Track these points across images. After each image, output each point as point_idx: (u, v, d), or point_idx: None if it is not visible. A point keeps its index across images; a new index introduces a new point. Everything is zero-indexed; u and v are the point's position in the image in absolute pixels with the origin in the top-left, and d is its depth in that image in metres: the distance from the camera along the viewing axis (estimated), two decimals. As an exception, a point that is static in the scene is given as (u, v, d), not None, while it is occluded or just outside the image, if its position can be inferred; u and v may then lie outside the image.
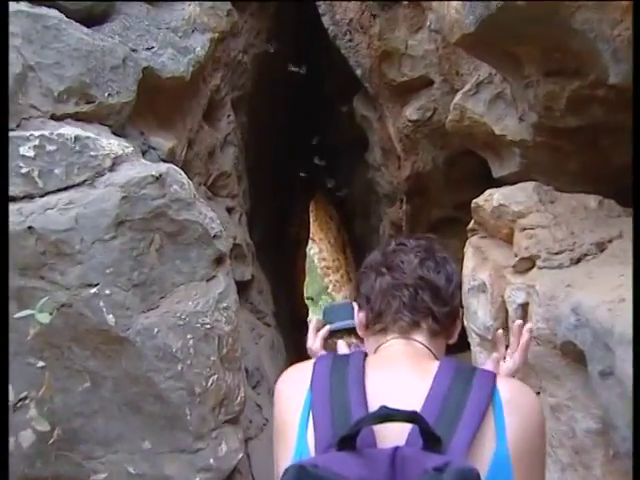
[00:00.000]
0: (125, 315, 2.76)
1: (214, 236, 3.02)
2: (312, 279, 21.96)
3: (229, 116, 5.59)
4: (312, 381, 1.23)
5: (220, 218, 5.23)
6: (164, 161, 4.03)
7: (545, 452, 1.23)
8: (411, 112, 4.85)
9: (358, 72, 5.11)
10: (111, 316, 2.73)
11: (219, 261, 3.09)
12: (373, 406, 1.10)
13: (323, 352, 1.74)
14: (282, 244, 11.72)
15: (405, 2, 4.65)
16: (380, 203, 6.52)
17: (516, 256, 2.70)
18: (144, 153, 3.98)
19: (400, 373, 1.24)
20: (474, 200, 3.06)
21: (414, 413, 1.03)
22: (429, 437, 1.02)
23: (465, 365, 1.25)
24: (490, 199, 2.90)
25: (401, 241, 1.48)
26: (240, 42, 5.62)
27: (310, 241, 16.72)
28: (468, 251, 3.10)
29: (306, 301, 15.18)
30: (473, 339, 2.96)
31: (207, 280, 2.99)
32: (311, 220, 15.65)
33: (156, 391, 2.79)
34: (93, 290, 2.72)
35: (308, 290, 22.85)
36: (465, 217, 5.95)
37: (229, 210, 5.58)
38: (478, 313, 2.84)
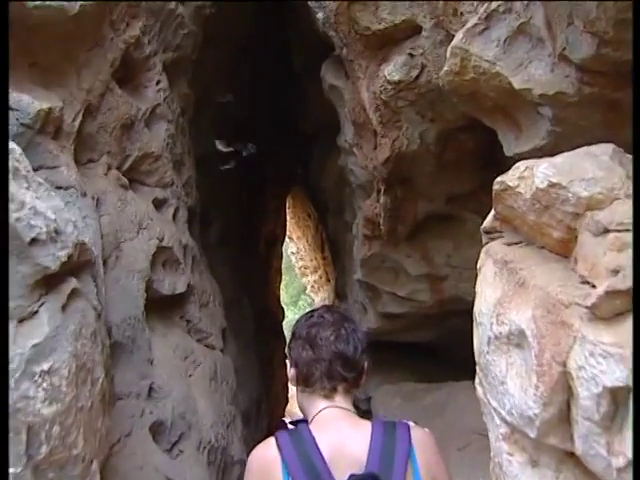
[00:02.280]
0: None
1: (33, 241, 1.62)
2: (291, 279, 20.59)
3: (159, 82, 4.21)
4: (281, 453, 1.67)
5: (140, 213, 3.88)
6: (28, 128, 2.68)
7: (446, 469, 1.80)
8: (391, 71, 3.48)
9: (320, 16, 3.73)
10: None
11: (46, 285, 1.69)
12: (330, 461, 1.64)
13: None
14: (252, 243, 10.35)
15: None
16: (354, 195, 5.16)
17: (588, 284, 1.34)
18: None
19: (341, 432, 1.72)
20: (498, 179, 1.68)
21: (372, 474, 1.59)
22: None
23: (388, 423, 1.79)
24: (530, 175, 1.54)
25: (320, 314, 1.97)
26: (172, -14, 4.23)
27: (288, 239, 15.39)
28: (485, 268, 1.73)
29: (282, 304, 13.80)
30: (495, 425, 1.60)
31: (19, 321, 1.60)
32: (288, 217, 14.33)
33: None
34: None
35: (287, 291, 21.51)
36: (460, 214, 4.60)
37: (158, 203, 4.20)
38: (508, 385, 1.49)
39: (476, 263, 4.19)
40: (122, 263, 3.47)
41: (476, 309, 1.71)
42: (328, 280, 14.27)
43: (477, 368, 1.74)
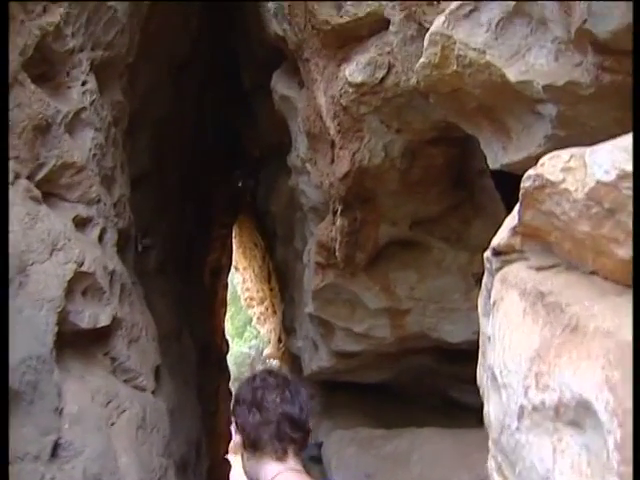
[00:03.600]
0: None
1: None
2: (237, 310, 19.86)
3: (85, 83, 3.61)
4: None
5: (54, 232, 3.24)
6: None
7: None
8: (353, 71, 2.96)
9: (271, 5, 3.19)
10: None
11: None
12: None
13: None
14: (196, 273, 9.69)
15: None
16: (305, 220, 4.61)
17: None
18: None
19: None
20: (530, 172, 1.11)
21: None
22: None
23: None
24: (581, 165, 1.02)
25: (263, 377, 1.96)
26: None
27: (234, 269, 14.74)
28: (507, 303, 1.18)
29: (227, 336, 13.11)
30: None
31: None
32: (234, 246, 13.72)
33: None
34: None
35: (232, 322, 20.75)
36: (426, 240, 4.09)
37: (80, 222, 3.57)
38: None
39: (444, 295, 3.53)
40: (28, 290, 2.83)
41: (493, 362, 1.15)
42: (275, 312, 13.63)
43: (492, 447, 1.18)
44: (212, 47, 6.28)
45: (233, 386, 15.97)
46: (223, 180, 10.20)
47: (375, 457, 3.94)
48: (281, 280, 7.79)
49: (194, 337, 8.13)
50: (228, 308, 15.00)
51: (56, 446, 2.63)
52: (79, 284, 3.28)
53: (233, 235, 13.26)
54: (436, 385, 4.87)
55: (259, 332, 17.07)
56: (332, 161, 3.26)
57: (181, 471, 5.12)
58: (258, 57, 5.29)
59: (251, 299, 15.19)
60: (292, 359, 6.97)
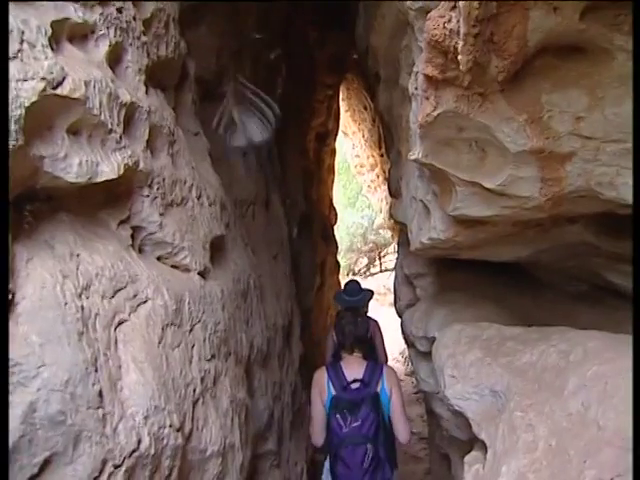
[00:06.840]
0: None
1: None
2: (349, 179, 18.60)
3: None
4: (328, 373, 3.66)
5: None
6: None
7: (401, 391, 3.60)
8: None
9: None
10: None
11: None
12: (349, 378, 3.60)
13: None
14: (295, 136, 8.36)
15: None
16: (413, 36, 3.09)
17: None
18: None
19: (353, 366, 3.64)
20: None
21: (362, 380, 3.57)
22: (365, 384, 3.54)
23: (375, 363, 3.78)
24: None
25: (342, 313, 4.01)
26: None
27: (342, 134, 13.34)
28: None
29: (335, 206, 11.91)
30: None
31: None
32: (342, 109, 12.25)
33: None
34: None
35: (345, 191, 19.57)
36: (605, 38, 2.36)
37: (77, 32, 2.27)
38: None
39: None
40: None
41: None
42: (385, 179, 12.29)
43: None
44: None
45: (344, 258, 14.93)
46: (324, 33, 8.64)
47: (508, 370, 2.60)
48: (386, 133, 6.34)
49: (291, 206, 6.95)
50: (339, 177, 13.79)
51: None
52: (58, 116, 2.05)
53: (340, 97, 11.76)
54: (587, 266, 3.41)
55: (370, 202, 15.82)
56: None
57: (259, 365, 4.03)
58: None
59: (361, 166, 13.85)
60: (399, 230, 5.63)
